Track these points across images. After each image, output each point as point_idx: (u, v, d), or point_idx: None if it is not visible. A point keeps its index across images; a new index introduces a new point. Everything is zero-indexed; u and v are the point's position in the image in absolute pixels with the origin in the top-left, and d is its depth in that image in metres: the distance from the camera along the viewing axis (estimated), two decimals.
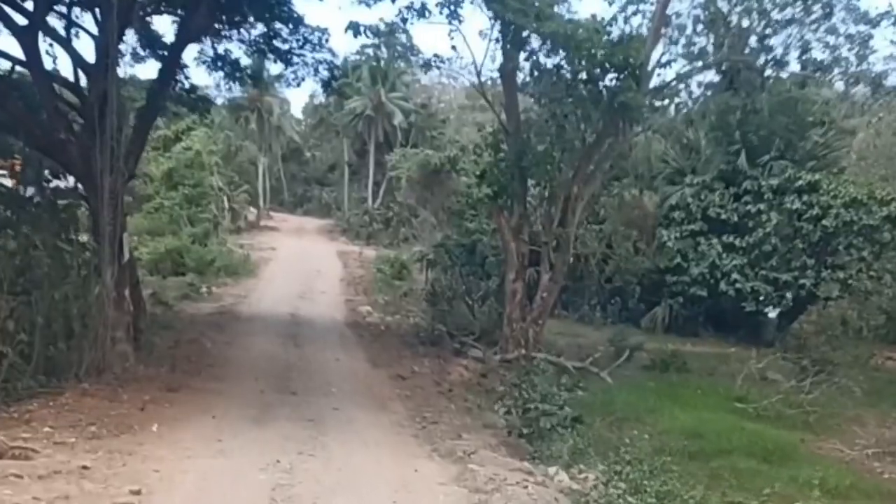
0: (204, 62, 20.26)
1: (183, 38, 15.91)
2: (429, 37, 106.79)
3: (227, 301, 25.34)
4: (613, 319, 29.80)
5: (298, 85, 20.89)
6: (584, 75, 18.07)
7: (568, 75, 18.24)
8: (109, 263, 12.86)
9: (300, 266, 35.78)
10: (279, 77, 61.25)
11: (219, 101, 67.71)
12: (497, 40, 17.64)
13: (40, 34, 14.17)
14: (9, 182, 41.58)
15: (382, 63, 61.54)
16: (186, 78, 20.32)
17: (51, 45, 14.34)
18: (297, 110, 77.57)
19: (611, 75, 17.84)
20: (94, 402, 11.32)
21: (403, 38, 68.39)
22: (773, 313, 29.93)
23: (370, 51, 64.22)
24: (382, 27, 18.67)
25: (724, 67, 29.57)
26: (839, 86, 32.77)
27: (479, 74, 19.09)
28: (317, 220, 63.99)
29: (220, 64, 20.23)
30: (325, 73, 20.92)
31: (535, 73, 18.56)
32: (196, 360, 15.42)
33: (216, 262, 31.36)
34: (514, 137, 18.84)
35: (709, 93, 30.42)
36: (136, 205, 40.83)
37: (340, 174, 68.32)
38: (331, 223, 60.76)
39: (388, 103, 59.55)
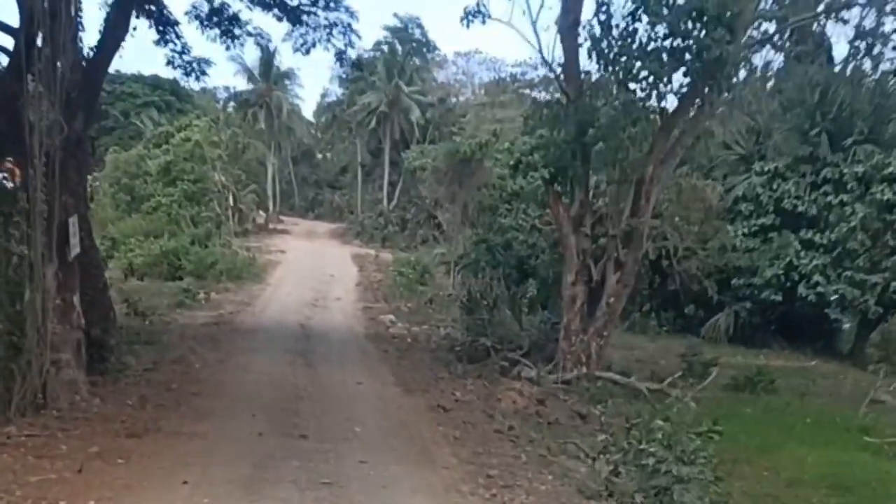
0: (197, 17, 16.81)
1: None
2: (445, 29, 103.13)
3: (228, 309, 21.81)
4: (668, 328, 26.24)
5: (308, 52, 17.36)
6: (663, 28, 14.42)
7: (643, 28, 14.60)
8: (49, 260, 9.29)
9: (312, 270, 32.26)
10: (285, 66, 59.14)
11: (224, 95, 65.54)
12: None
13: None
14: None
15: (399, 54, 58.35)
16: (178, 37, 16.96)
17: None
18: (308, 113, 74.31)
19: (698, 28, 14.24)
20: (13, 460, 7.79)
21: (418, 33, 66.03)
22: (849, 321, 26.35)
23: (385, 47, 61.28)
24: None
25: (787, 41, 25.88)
26: None
27: (534, 25, 15.45)
28: (329, 224, 60.98)
29: (215, 19, 16.78)
30: (340, 40, 17.39)
31: (602, 27, 14.89)
32: (177, 388, 11.82)
33: (217, 264, 27.88)
34: (576, 106, 15.21)
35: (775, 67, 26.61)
36: (134, 205, 37.74)
37: (353, 176, 65.10)
38: (343, 226, 57.48)
39: (404, 98, 56.14)
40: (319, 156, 77.96)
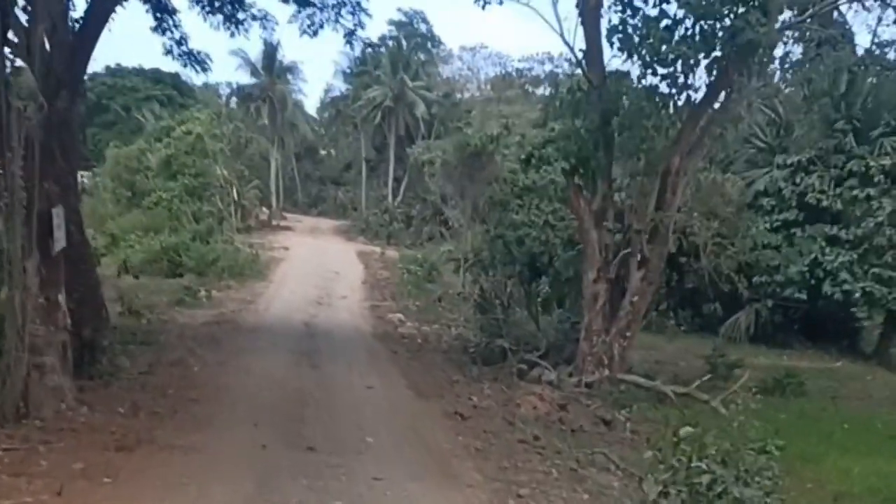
0: (198, 1, 15.90)
1: None
2: (450, 23, 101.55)
3: (230, 307, 20.92)
4: (686, 327, 25.30)
5: (315, 33, 16.46)
6: (693, 10, 13.51)
7: (671, 10, 13.71)
8: (30, 254, 8.40)
9: (316, 267, 31.35)
10: (288, 60, 58.05)
11: (227, 91, 64.60)
12: None
13: None
14: None
15: (404, 48, 57.39)
16: (176, 26, 16.10)
17: None
18: (311, 109, 73.32)
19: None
20: None
21: (423, 27, 64.99)
22: (875, 320, 25.41)
23: (391, 42, 60.28)
24: None
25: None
26: None
27: (555, 6, 14.54)
28: (332, 221, 60.12)
29: (218, 4, 15.87)
30: (349, 20, 16.49)
31: (625, 9, 13.99)
32: (174, 393, 10.94)
33: (219, 261, 26.97)
34: (600, 93, 14.32)
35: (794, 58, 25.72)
36: (135, 200, 36.85)
37: (357, 172, 64.17)
38: (347, 223, 56.56)
39: (410, 93, 55.19)
40: (323, 152, 77.09)
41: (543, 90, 72.00)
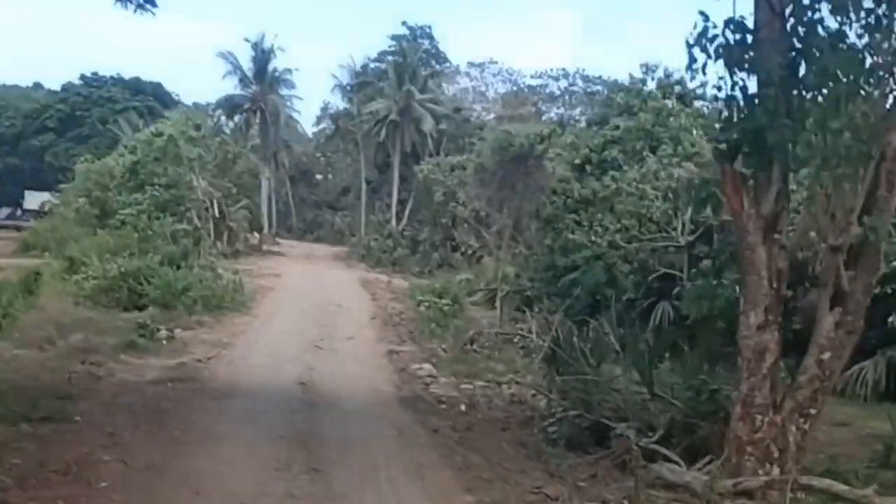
0: None
1: None
2: (457, 36, 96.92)
3: (195, 353, 15.28)
4: (791, 380, 19.78)
5: None
6: None
7: None
8: None
9: (313, 298, 25.75)
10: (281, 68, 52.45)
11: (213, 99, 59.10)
12: None
13: None
14: None
15: (411, 58, 52.30)
16: None
17: None
18: (306, 129, 68.01)
19: None
20: None
21: (427, 43, 60.08)
22: None
23: (396, 50, 55.42)
24: None
25: None
26: None
27: None
28: (329, 247, 55.02)
29: None
30: None
31: None
32: None
33: (191, 290, 21.35)
34: (782, 27, 8.90)
35: None
36: (105, 220, 31.61)
37: (356, 197, 59.32)
38: (346, 249, 51.30)
39: (417, 106, 49.99)
40: (319, 176, 72.14)
41: (559, 108, 66.93)
